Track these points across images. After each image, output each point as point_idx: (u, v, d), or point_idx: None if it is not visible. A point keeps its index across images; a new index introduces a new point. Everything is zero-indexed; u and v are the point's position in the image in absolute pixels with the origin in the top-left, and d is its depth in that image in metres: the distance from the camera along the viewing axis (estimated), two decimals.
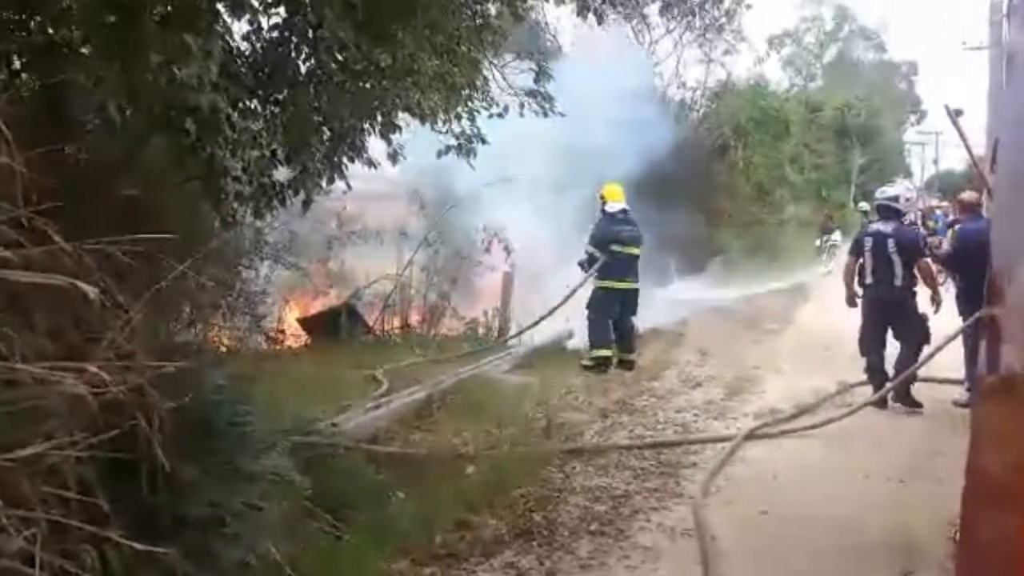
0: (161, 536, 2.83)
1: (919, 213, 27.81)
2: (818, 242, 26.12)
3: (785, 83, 41.00)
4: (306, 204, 6.00)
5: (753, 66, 22.66)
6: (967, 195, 9.46)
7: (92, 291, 2.18)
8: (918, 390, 8.70)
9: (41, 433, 2.28)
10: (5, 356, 2.25)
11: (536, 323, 11.78)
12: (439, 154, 7.76)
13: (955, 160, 49.90)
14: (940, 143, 52.59)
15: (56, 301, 2.30)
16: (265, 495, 3.85)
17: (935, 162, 56.23)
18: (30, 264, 2.20)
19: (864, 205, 30.17)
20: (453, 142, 7.51)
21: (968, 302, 8.09)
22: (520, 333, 11.79)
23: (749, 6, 19.04)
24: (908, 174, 58.42)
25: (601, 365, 10.49)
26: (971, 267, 7.36)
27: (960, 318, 8.46)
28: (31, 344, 2.27)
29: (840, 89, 45.99)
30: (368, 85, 5.77)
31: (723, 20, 20.48)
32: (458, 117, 7.34)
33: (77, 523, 2.43)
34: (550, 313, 11.63)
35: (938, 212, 25.91)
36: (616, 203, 11.09)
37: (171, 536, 2.95)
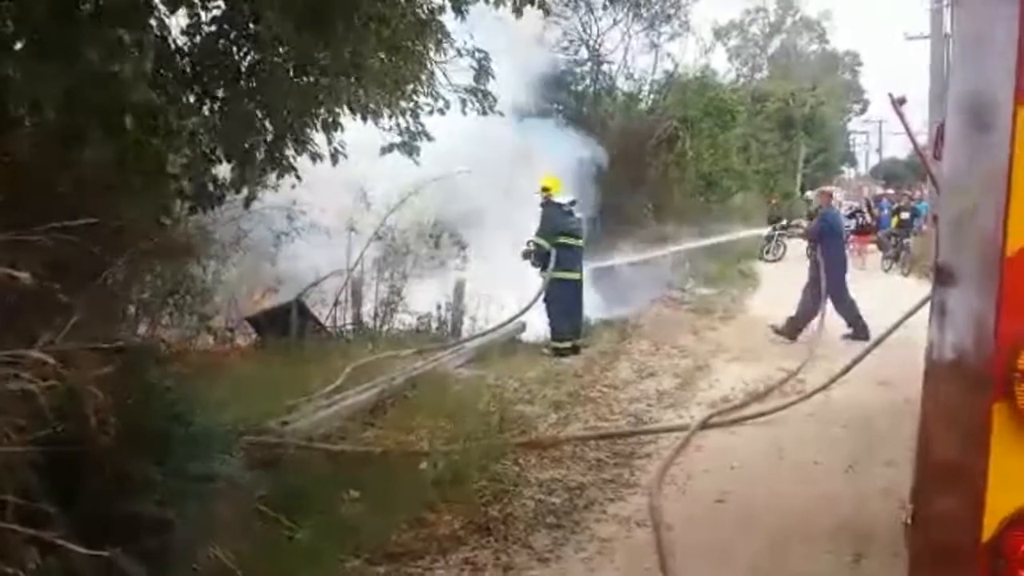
0: (107, 538, 2.75)
1: (865, 201, 28.35)
2: (768, 231, 26.38)
3: (732, 74, 41.34)
4: (248, 201, 5.87)
5: (700, 56, 22.81)
6: (826, 188, 13.88)
7: (25, 276, 2.09)
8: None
9: None
10: None
11: (514, 318, 11.83)
12: (382, 151, 7.66)
13: (898, 148, 50.89)
14: (883, 131, 53.65)
15: None
16: (214, 496, 3.77)
17: (879, 150, 57.34)
18: None
19: (810, 194, 30.59)
20: (396, 139, 7.41)
21: (824, 264, 11.89)
22: (498, 327, 11.71)
23: None
24: (853, 163, 59.54)
25: (563, 353, 10.76)
26: (830, 240, 12.33)
27: (814, 279, 12.02)
28: None
29: (785, 80, 46.58)
30: (310, 80, 5.65)
31: (671, 10, 20.56)
32: (402, 112, 7.23)
33: (20, 526, 2.34)
34: (526, 309, 11.72)
35: (884, 200, 26.35)
36: (561, 195, 11.21)
37: (117, 538, 2.87)
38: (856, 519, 5.36)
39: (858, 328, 11.62)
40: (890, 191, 29.71)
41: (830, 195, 13.43)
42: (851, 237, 25.60)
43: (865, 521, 5.28)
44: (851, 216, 26.35)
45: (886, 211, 25.00)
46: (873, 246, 24.41)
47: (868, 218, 25.37)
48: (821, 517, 5.40)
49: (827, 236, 12.44)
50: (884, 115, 46.62)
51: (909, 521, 3.61)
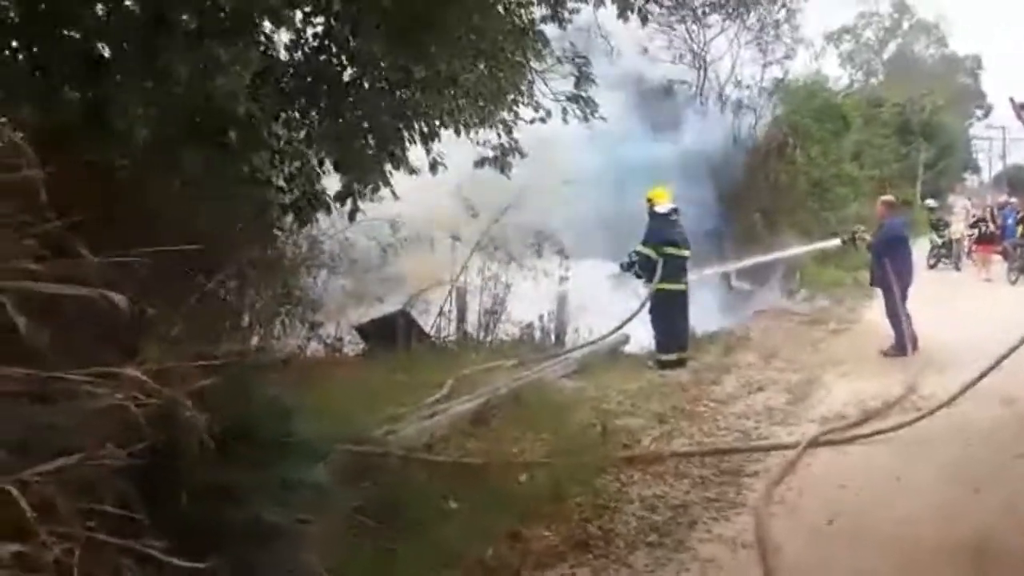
0: (204, 548, 2.79)
1: (988, 209, 27.09)
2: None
3: (844, 79, 40.12)
4: (352, 214, 5.96)
5: (811, 62, 22.20)
6: (887, 198, 13.14)
7: (121, 299, 2.14)
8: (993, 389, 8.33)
9: (77, 446, 2.24)
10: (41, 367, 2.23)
11: (618, 329, 11.68)
12: (475, 165, 7.66)
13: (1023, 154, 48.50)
14: (1007, 137, 51.17)
15: (87, 314, 2.26)
16: (312, 505, 3.80)
17: (1002, 157, 54.73)
18: (61, 277, 2.17)
19: (931, 202, 29.38)
20: (489, 154, 7.40)
21: (887, 277, 11.43)
22: (601, 339, 11.62)
23: None
24: (976, 169, 57.08)
25: (668, 365, 10.57)
26: (893, 250, 11.79)
27: (881, 291, 11.80)
28: (63, 358, 2.24)
29: (902, 84, 44.99)
30: (407, 94, 5.70)
31: (779, 17, 20.12)
32: (502, 123, 7.22)
33: (116, 537, 2.39)
34: (628, 320, 11.55)
35: (1008, 208, 25.03)
36: (665, 204, 11.01)
37: (214, 548, 2.91)
38: (978, 542, 5.06)
39: (899, 345, 11.22)
40: (1013, 200, 28.19)
41: (890, 204, 12.94)
42: (974, 247, 24.50)
43: (989, 548, 4.98)
44: (974, 225, 25.20)
45: (1011, 220, 23.75)
46: (998, 256, 23.26)
47: (992, 227, 24.21)
48: (940, 541, 5.12)
49: (893, 246, 11.93)
50: (1008, 121, 44.45)
51: None
